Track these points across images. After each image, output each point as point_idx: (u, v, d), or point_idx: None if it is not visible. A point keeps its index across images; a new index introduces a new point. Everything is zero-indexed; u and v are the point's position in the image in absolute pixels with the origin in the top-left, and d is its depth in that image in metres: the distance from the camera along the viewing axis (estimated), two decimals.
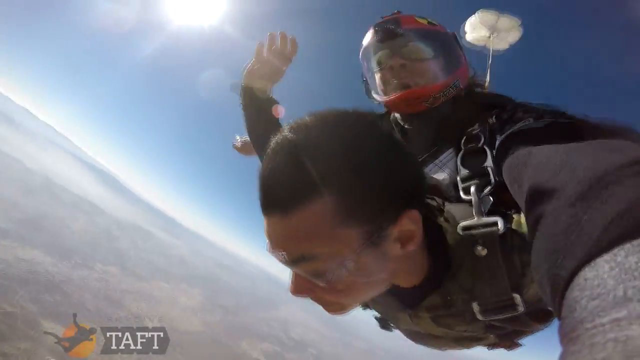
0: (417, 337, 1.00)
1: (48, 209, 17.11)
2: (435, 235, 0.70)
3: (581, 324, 0.25)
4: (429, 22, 1.03)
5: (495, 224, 0.65)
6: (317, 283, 0.57)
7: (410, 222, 0.57)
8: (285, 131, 0.55)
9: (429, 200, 0.76)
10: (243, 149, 1.55)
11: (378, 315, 1.01)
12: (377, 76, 1.05)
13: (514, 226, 0.66)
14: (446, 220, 0.71)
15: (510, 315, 0.69)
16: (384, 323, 1.04)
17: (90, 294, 11.27)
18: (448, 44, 1.06)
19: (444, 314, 0.76)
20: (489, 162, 0.78)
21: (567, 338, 0.26)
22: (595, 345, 0.22)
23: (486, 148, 0.82)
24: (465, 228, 0.68)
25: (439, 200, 0.78)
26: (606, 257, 0.27)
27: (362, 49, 1.09)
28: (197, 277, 21.40)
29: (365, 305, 0.97)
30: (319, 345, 21.44)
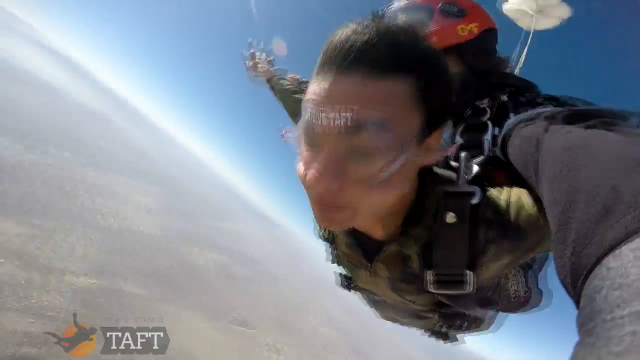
0: (372, 302, 1.11)
1: (3, 90, 15.08)
2: (421, 185, 0.70)
3: (599, 315, 0.24)
4: None
5: (472, 193, 0.66)
6: (361, 167, 0.54)
7: (438, 138, 0.62)
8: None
9: None
10: (256, 70, 1.53)
11: (343, 272, 1.05)
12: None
13: (491, 200, 0.66)
14: (433, 184, 0.71)
15: (458, 292, 0.71)
16: (346, 281, 1.06)
17: (42, 182, 10.33)
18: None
19: (398, 276, 0.79)
20: (487, 136, 0.79)
21: (583, 329, 0.26)
22: (612, 338, 0.22)
23: (489, 123, 0.83)
24: (445, 193, 0.68)
25: None
26: (632, 245, 0.26)
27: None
28: (156, 175, 20.66)
29: (336, 260, 1.00)
30: (268, 264, 22.68)
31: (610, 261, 0.26)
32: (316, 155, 0.56)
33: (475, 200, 0.66)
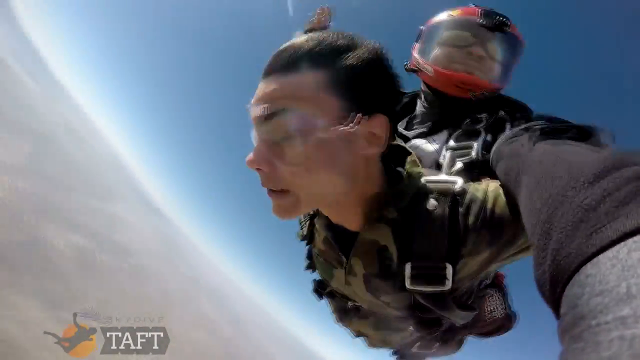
0: (344, 312, 1.03)
1: None
2: (394, 177, 0.73)
3: (583, 321, 0.25)
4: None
5: (453, 182, 0.69)
6: (284, 150, 0.61)
7: (379, 126, 0.65)
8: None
9: (408, 151, 0.79)
10: None
11: (318, 277, 1.04)
12: (446, 50, 1.08)
13: (470, 190, 0.68)
14: (411, 173, 0.73)
15: (436, 289, 0.70)
16: (319, 286, 1.06)
17: None
18: (518, 58, 1.12)
19: (374, 271, 0.77)
20: (478, 142, 0.84)
21: (567, 335, 0.26)
22: (599, 343, 0.22)
23: (482, 130, 0.88)
24: (427, 181, 0.71)
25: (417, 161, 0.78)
26: (608, 253, 0.28)
27: (450, 18, 1.09)
28: (34, 131, 17.22)
29: (310, 267, 1.02)
30: (141, 257, 20.50)
31: (589, 269, 0.28)
32: (256, 144, 0.66)
33: (456, 188, 0.68)
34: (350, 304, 0.99)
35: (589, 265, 0.28)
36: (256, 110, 0.63)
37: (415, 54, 1.19)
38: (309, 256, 1.03)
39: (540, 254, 0.36)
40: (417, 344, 1.00)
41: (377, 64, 0.66)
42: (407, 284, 0.71)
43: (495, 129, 0.89)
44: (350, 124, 0.61)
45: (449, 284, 0.68)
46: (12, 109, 17.03)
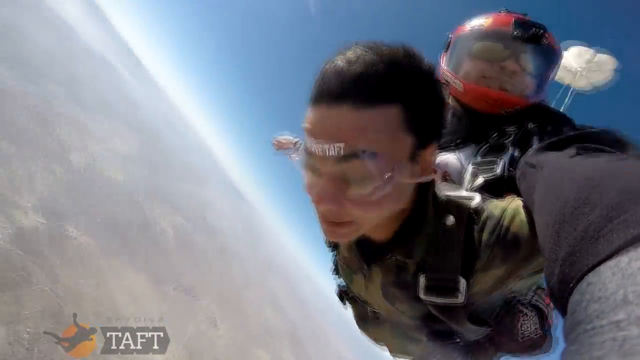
0: (364, 318, 1.06)
1: (18, 20, 14.50)
2: (422, 195, 0.72)
3: (580, 325, 0.27)
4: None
5: (471, 198, 0.69)
6: (357, 189, 0.58)
7: (432, 154, 0.64)
8: (356, 46, 0.59)
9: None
10: (280, 146, 1.65)
11: (341, 283, 1.04)
12: (477, 64, 1.04)
13: (489, 207, 0.68)
14: (435, 190, 0.73)
15: (449, 301, 0.70)
16: (343, 292, 1.06)
17: (26, 110, 10.00)
18: (554, 71, 1.06)
19: (391, 280, 0.78)
20: (505, 157, 0.81)
21: (567, 339, 0.28)
22: (593, 344, 0.24)
23: (508, 144, 0.86)
24: (447, 198, 0.71)
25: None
26: (610, 263, 0.29)
27: (481, 28, 1.03)
28: (140, 124, 20.18)
29: (336, 271, 1.02)
30: (228, 238, 22.62)
31: (591, 277, 0.29)
32: (318, 179, 0.62)
33: (473, 204, 0.68)
34: (369, 310, 1.01)
35: (591, 274, 0.29)
36: (328, 149, 0.56)
37: (444, 66, 1.14)
38: (335, 261, 1.04)
39: (551, 264, 0.37)
40: (438, 356, 0.99)
41: (438, 88, 0.63)
42: (421, 295, 0.72)
43: (524, 143, 0.86)
44: (415, 160, 0.60)
45: (461, 297, 0.69)
46: (122, 104, 20.01)
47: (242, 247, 25.73)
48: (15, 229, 6.57)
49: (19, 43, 12.96)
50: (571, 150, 0.52)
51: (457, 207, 0.70)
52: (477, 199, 0.69)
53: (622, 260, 0.27)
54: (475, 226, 0.67)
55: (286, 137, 1.73)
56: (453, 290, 0.69)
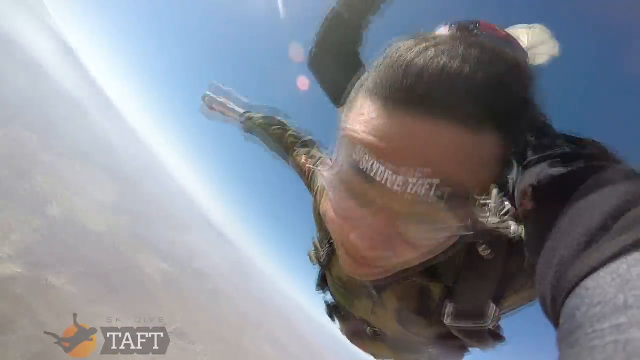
0: (356, 337, 1.01)
1: None
2: None
3: (580, 329, 0.26)
4: None
5: (508, 227, 0.61)
6: (415, 233, 0.44)
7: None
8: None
9: None
10: (211, 109, 1.54)
11: (331, 300, 0.99)
12: None
13: (521, 232, 0.60)
14: None
15: (475, 325, 0.66)
16: (333, 310, 1.02)
17: None
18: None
19: (414, 307, 0.73)
20: (513, 174, 0.73)
21: (564, 342, 0.27)
22: (595, 347, 0.23)
23: (513, 159, 0.75)
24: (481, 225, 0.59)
25: None
26: (608, 269, 0.28)
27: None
28: (118, 172, 19.77)
29: (321, 287, 0.96)
30: (216, 282, 21.68)
31: (589, 282, 0.29)
32: (364, 213, 0.45)
33: (512, 234, 0.59)
34: (369, 329, 0.95)
35: (588, 279, 0.29)
36: (410, 183, 0.39)
37: None
38: (321, 278, 0.98)
39: (544, 269, 0.36)
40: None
41: (537, 119, 0.54)
42: (447, 321, 0.68)
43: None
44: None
45: (489, 321, 0.65)
46: (98, 151, 19.70)
47: (233, 289, 24.70)
48: None
49: None
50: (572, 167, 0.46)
51: (491, 237, 0.60)
52: (512, 227, 0.60)
53: (621, 266, 0.28)
54: (512, 256, 0.62)
55: (224, 100, 1.53)
56: (482, 315, 0.65)
